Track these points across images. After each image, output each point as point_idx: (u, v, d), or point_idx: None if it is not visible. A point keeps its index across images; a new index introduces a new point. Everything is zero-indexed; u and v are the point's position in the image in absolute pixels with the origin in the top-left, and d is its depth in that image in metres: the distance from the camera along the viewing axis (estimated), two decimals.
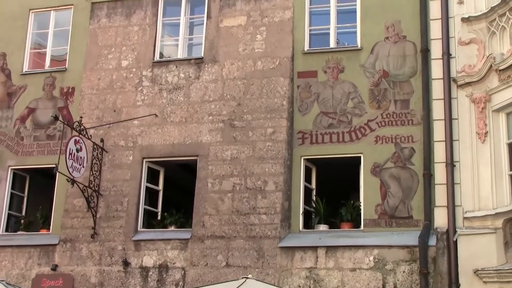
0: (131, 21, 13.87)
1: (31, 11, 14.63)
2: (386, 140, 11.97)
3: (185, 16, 13.77)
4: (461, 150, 11.52)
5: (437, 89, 11.89)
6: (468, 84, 11.67)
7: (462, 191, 11.35)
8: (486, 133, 11.39)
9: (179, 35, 13.68)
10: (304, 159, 12.35)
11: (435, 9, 12.22)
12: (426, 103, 11.88)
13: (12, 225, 14.01)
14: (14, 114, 13.99)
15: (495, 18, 11.60)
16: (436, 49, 12.06)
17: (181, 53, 13.57)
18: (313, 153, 12.31)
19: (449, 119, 11.62)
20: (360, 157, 12.06)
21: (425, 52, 12.11)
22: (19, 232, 13.69)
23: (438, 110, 11.79)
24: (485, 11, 11.79)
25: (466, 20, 11.96)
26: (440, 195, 11.43)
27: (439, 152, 11.61)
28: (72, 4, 14.29)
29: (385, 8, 12.57)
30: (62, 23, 14.44)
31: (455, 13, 12.10)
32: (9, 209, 13.86)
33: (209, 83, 12.99)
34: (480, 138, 11.41)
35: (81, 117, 12.99)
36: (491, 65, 11.42)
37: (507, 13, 11.42)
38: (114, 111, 13.33)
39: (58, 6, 14.46)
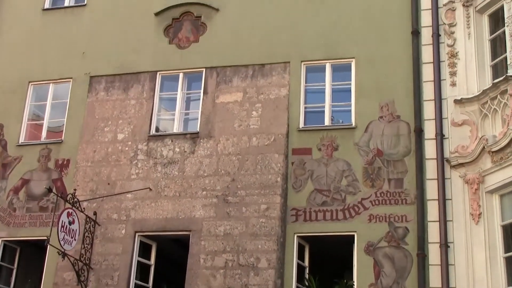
0: (129, 95, 14.04)
1: (30, 83, 14.77)
2: (380, 219, 11.94)
3: (182, 91, 13.94)
4: (455, 230, 11.48)
5: (430, 169, 11.96)
6: (461, 165, 11.75)
7: (457, 273, 11.25)
8: (480, 214, 11.37)
9: (176, 110, 13.82)
10: (297, 236, 12.27)
11: (428, 90, 12.43)
12: (419, 183, 11.92)
13: None
14: (8, 184, 13.91)
15: (487, 101, 11.78)
16: (429, 130, 12.20)
17: (177, 128, 13.66)
18: (307, 231, 12.25)
19: (443, 199, 11.65)
20: (353, 235, 12.01)
21: (419, 132, 12.24)
22: None
23: (431, 190, 11.82)
24: (477, 93, 11.97)
25: (458, 102, 12.15)
26: (434, 276, 11.33)
27: (433, 232, 11.57)
28: (71, 78, 14.48)
29: (380, 88, 12.78)
30: (60, 96, 14.58)
31: (448, 95, 12.30)
32: None
33: (204, 158, 13.03)
34: (474, 219, 11.39)
35: (75, 190, 12.95)
36: (483, 147, 11.52)
37: (499, 96, 11.61)
38: (108, 184, 13.31)
39: (57, 79, 14.65)
